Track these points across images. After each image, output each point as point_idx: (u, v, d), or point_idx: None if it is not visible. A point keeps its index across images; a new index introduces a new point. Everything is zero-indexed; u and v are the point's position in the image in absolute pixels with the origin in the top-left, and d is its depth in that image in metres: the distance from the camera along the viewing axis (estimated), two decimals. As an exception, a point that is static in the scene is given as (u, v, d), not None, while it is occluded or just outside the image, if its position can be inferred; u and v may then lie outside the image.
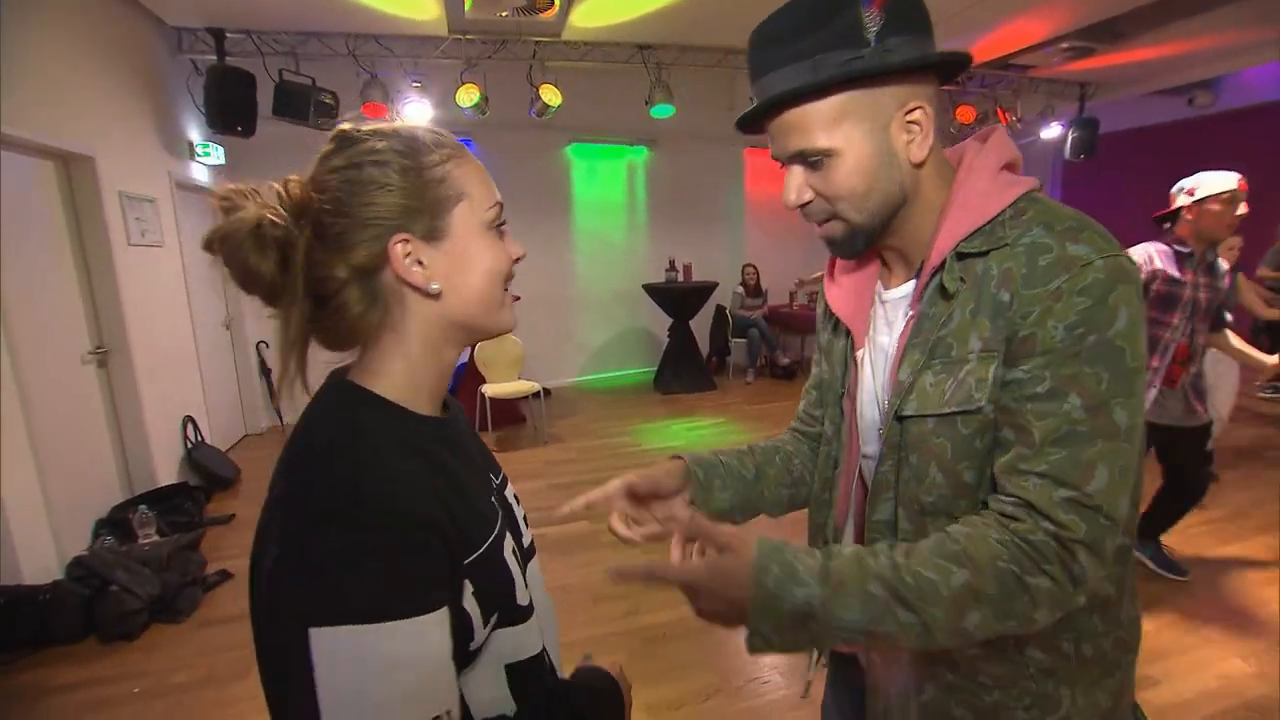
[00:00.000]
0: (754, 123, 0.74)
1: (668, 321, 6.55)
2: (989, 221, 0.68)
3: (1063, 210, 0.67)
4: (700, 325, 6.90)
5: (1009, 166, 0.73)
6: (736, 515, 0.93)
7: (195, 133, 4.59)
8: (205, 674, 2.29)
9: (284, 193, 0.59)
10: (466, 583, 0.58)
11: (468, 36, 4.65)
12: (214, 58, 4.27)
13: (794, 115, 0.68)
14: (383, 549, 0.51)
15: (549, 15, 4.17)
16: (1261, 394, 5.32)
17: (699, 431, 5.06)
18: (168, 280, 4.04)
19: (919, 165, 0.70)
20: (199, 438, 4.15)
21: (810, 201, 0.72)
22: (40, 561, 2.65)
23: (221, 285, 5.10)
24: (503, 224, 0.66)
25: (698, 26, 4.67)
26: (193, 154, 4.52)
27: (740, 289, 6.86)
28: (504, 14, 4.09)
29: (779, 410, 5.62)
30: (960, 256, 0.69)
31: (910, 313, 0.75)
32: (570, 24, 4.48)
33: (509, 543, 0.66)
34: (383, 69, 4.66)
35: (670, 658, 2.29)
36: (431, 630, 0.52)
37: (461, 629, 0.57)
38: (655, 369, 6.76)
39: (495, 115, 5.18)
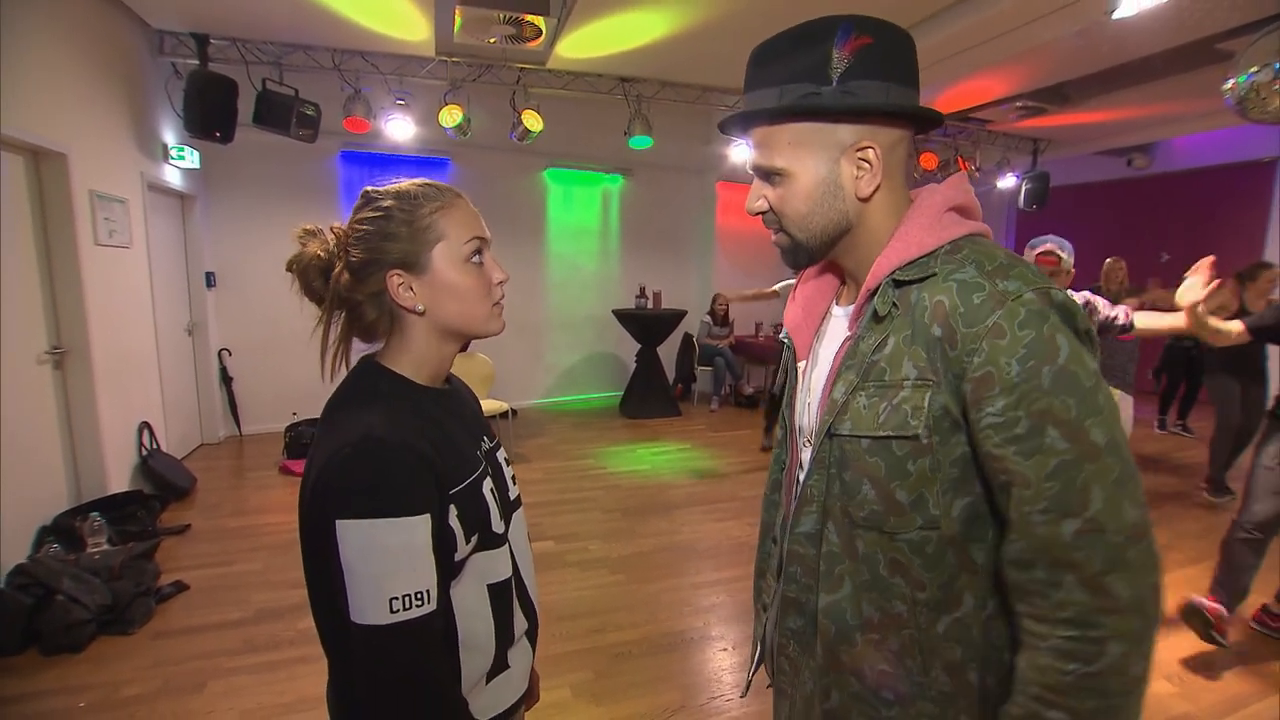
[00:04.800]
0: (734, 131, 0.81)
1: (636, 347, 6.64)
2: (925, 255, 0.72)
3: (997, 251, 0.71)
4: (667, 352, 7.02)
5: (959, 209, 0.76)
6: None
7: (170, 135, 4.53)
8: (159, 686, 2.22)
9: (333, 234, 0.84)
10: (452, 507, 0.78)
11: (454, 59, 4.74)
12: (195, 62, 4.26)
13: (759, 133, 0.76)
14: (384, 471, 0.72)
15: (536, 45, 4.29)
16: (1172, 430, 5.72)
17: (664, 456, 5.13)
18: (133, 282, 3.95)
19: (865, 199, 0.75)
20: (155, 445, 4.03)
21: (765, 212, 0.80)
22: (-20, 568, 2.54)
23: (186, 290, 5.01)
24: (479, 254, 0.85)
25: (679, 64, 4.86)
26: (166, 156, 4.46)
27: (708, 318, 7.00)
28: (492, 40, 4.19)
29: (742, 438, 5.73)
30: (897, 284, 0.73)
31: (848, 333, 0.79)
32: (556, 54, 4.61)
33: (488, 484, 0.86)
34: (367, 84, 4.70)
35: (635, 674, 2.32)
36: (417, 528, 0.72)
37: (446, 541, 0.77)
38: (622, 393, 6.83)
39: (476, 136, 5.26)
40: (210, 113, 4.00)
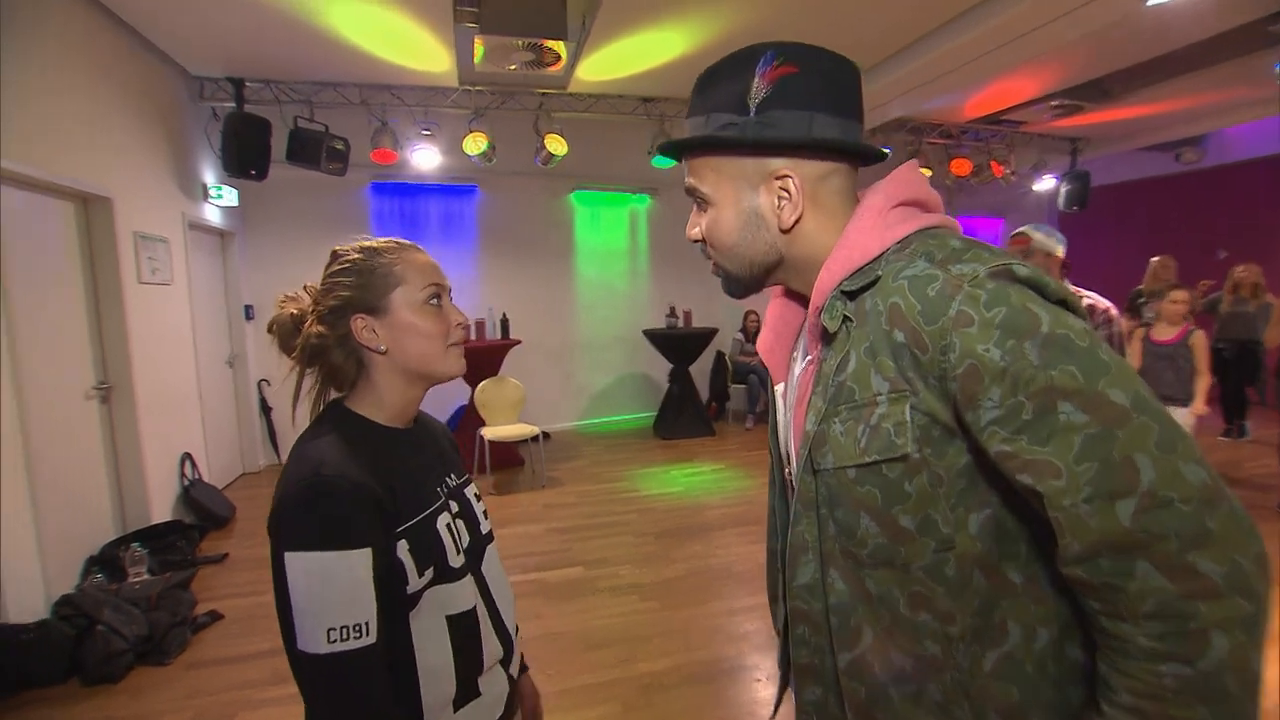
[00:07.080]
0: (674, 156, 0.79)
1: (668, 367, 6.58)
2: (870, 260, 0.67)
3: (951, 239, 0.65)
4: (700, 371, 6.94)
5: (911, 204, 0.71)
6: None
7: (209, 175, 4.72)
8: (190, 717, 2.23)
9: (306, 293, 0.92)
10: (402, 541, 0.81)
11: (476, 88, 4.83)
12: (233, 104, 4.44)
13: (688, 160, 0.75)
14: (326, 506, 0.75)
15: (556, 69, 4.34)
16: (1221, 438, 5.40)
17: (698, 478, 5.03)
18: (174, 318, 4.09)
19: (786, 231, 0.71)
20: (196, 475, 4.13)
21: (702, 240, 0.77)
22: (26, 599, 2.61)
23: (227, 324, 5.17)
24: (437, 299, 0.91)
25: (699, 82, 4.85)
26: (206, 195, 4.64)
27: (740, 335, 6.91)
28: (513, 67, 4.25)
29: (779, 455, 5.59)
30: (849, 296, 0.68)
31: (810, 356, 0.73)
32: (576, 77, 4.66)
33: (444, 519, 0.89)
34: (393, 117, 4.82)
35: (665, 707, 2.23)
36: (357, 562, 0.75)
37: (394, 573, 0.80)
38: (655, 414, 6.76)
39: (501, 162, 5.34)
40: (246, 152, 4.15)
